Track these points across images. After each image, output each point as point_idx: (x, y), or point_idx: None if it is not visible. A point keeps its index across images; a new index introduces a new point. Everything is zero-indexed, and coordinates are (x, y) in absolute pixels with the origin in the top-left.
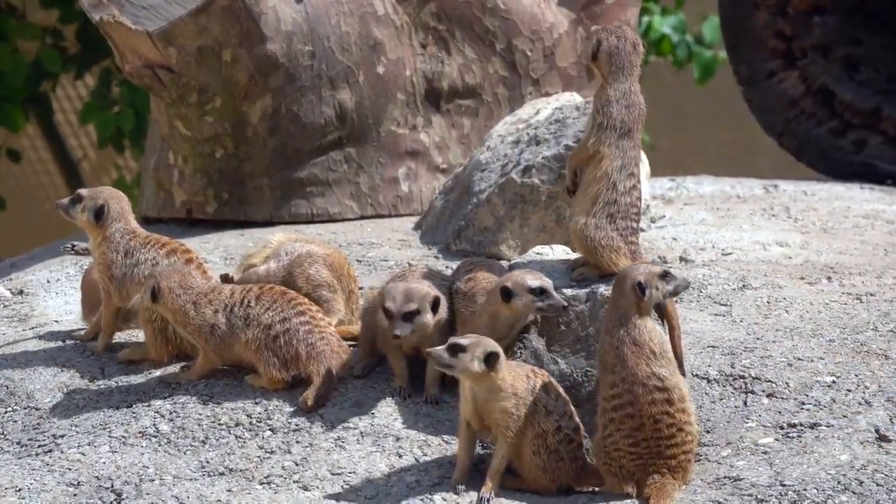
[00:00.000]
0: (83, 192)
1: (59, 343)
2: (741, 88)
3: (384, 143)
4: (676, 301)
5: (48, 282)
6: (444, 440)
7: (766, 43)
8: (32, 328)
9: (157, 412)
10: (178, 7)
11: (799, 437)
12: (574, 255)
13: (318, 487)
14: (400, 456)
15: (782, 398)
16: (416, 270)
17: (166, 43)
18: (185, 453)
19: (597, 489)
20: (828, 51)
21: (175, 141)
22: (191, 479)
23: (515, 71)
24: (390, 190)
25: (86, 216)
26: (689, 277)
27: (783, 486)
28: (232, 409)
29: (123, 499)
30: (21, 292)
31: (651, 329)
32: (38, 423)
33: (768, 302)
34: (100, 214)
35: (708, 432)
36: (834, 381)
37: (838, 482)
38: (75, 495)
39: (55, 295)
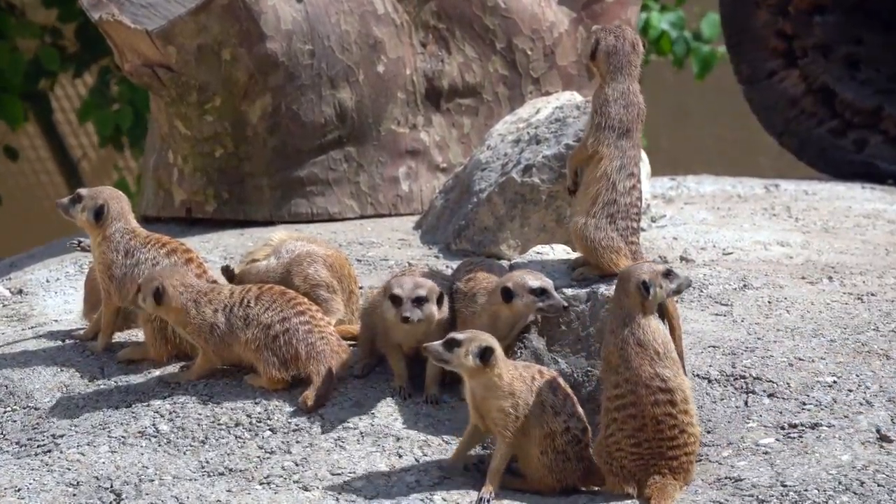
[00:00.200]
0: (83, 191)
1: (59, 343)
2: (742, 87)
3: (384, 143)
4: (677, 301)
5: (47, 281)
6: (444, 440)
7: (766, 42)
8: (32, 328)
9: (157, 412)
10: (178, 6)
11: (800, 437)
12: (574, 255)
13: (318, 487)
14: (400, 456)
15: (783, 398)
16: (417, 270)
17: (166, 42)
18: (184, 453)
19: (598, 489)
20: (828, 50)
21: (175, 140)
22: (190, 480)
23: (516, 70)
24: (390, 189)
25: (85, 216)
26: (690, 277)
27: (784, 486)
28: (232, 409)
29: (123, 499)
30: (20, 292)
31: (655, 329)
32: (37, 423)
33: (769, 302)
34: (99, 214)
35: (709, 432)
36: (835, 382)
37: (839, 482)
38: (75, 495)
39: (54, 294)
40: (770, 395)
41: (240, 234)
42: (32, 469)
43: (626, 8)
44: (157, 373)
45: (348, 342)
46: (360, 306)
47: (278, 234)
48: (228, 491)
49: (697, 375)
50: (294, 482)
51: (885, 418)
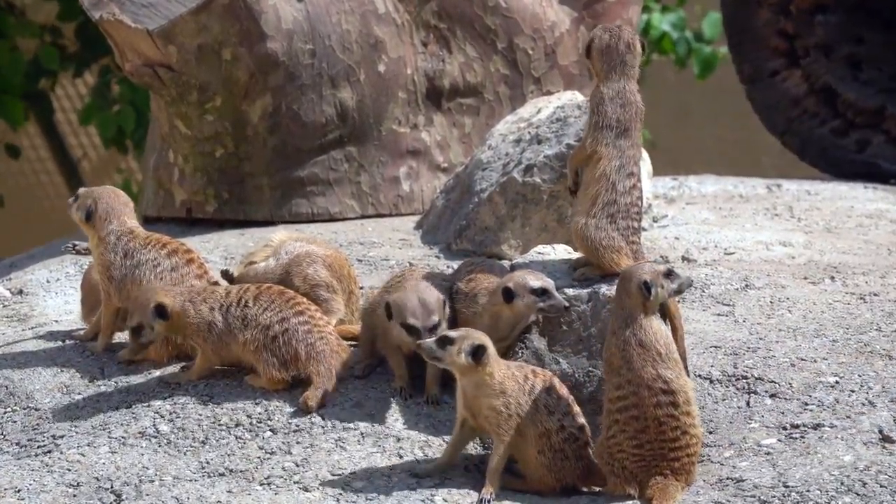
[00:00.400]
0: (82, 190)
1: (59, 343)
2: (744, 87)
3: (385, 142)
4: (679, 301)
5: (48, 281)
6: (444, 441)
7: (768, 41)
8: (32, 328)
9: (157, 412)
10: (179, 5)
11: (802, 437)
12: (576, 255)
13: (318, 488)
14: (401, 457)
15: (785, 399)
16: (416, 270)
17: (166, 41)
18: (185, 454)
19: (599, 490)
20: (830, 50)
21: (175, 140)
22: (191, 480)
23: (517, 69)
24: (391, 189)
25: (79, 215)
26: (691, 277)
27: (786, 487)
28: (232, 410)
29: (123, 500)
30: (20, 292)
31: (657, 329)
32: (37, 424)
33: (771, 302)
34: (90, 214)
35: (711, 433)
36: (837, 382)
37: (841, 483)
38: (75, 496)
39: (55, 295)
40: (772, 396)
41: (240, 234)
42: (32, 470)
43: (628, 7)
44: (157, 373)
45: (349, 342)
46: (360, 306)
47: (278, 234)
48: (229, 492)
49: (699, 376)
50: (294, 483)
51: (887, 419)
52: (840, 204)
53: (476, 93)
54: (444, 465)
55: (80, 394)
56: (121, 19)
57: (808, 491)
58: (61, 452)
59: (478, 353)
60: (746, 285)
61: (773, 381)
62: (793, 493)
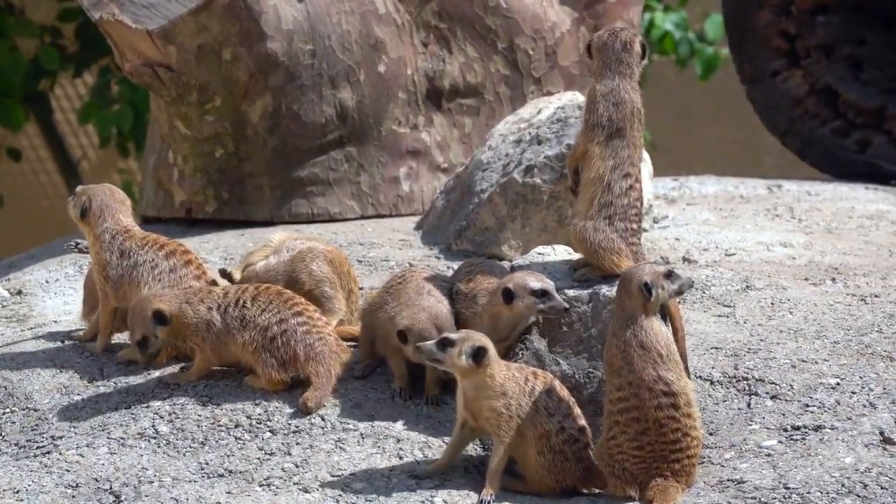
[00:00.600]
0: (79, 189)
1: (58, 344)
2: (745, 87)
3: (385, 143)
4: (680, 302)
5: (47, 282)
6: (444, 442)
7: (769, 42)
8: (31, 328)
9: (157, 413)
10: (178, 5)
11: (803, 439)
12: (576, 256)
13: (318, 489)
14: (401, 458)
15: (786, 400)
16: (417, 271)
17: (166, 41)
18: (184, 455)
19: (599, 491)
20: (831, 50)
21: (175, 140)
22: (190, 481)
23: (517, 70)
24: (391, 189)
25: (75, 212)
26: (692, 277)
27: (787, 488)
28: (231, 411)
29: (122, 500)
30: (20, 292)
31: (658, 330)
32: (36, 425)
33: (772, 303)
34: (85, 211)
35: (711, 434)
36: (838, 384)
37: (842, 485)
38: (74, 497)
39: (54, 295)
40: (773, 397)
41: (240, 234)
42: (31, 470)
43: (629, 8)
44: (156, 374)
45: (348, 343)
46: (359, 307)
47: (278, 234)
48: (228, 493)
49: (700, 377)
50: (294, 484)
51: (888, 420)
52: (841, 205)
53: (476, 93)
54: (443, 466)
55: (79, 394)
56: (121, 19)
57: (808, 493)
58: (60, 453)
59: (478, 354)
60: (747, 286)
61: (773, 383)
62: (793, 495)
